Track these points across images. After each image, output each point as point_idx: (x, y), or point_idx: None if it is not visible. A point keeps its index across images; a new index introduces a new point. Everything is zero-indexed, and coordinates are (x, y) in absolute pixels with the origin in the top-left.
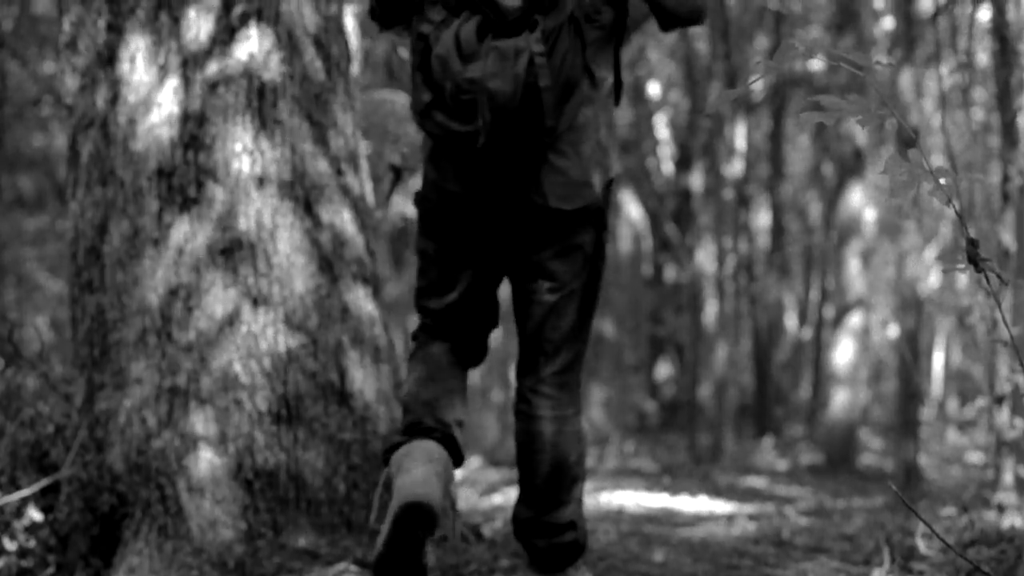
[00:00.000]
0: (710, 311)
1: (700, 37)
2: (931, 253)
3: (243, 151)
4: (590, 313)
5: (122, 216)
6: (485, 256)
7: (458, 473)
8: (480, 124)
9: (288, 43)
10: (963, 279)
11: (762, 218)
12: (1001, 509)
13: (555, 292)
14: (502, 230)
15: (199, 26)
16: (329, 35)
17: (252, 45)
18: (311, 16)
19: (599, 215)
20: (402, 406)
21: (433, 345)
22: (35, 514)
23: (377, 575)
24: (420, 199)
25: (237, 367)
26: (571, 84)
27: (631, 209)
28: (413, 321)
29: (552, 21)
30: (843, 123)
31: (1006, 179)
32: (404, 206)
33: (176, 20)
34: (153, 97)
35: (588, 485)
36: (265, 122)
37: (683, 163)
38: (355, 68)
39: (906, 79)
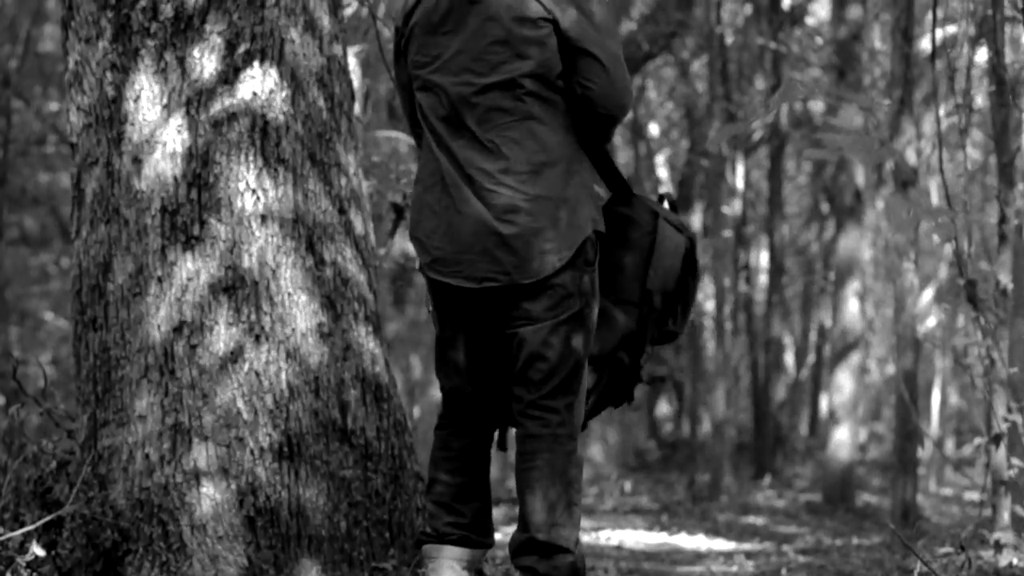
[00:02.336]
0: (709, 350)
1: (699, 77)
2: (929, 292)
3: (246, 189)
4: (578, 347)
5: (126, 254)
6: (473, 307)
7: None
8: None
9: (292, 82)
10: (961, 318)
11: (761, 257)
12: (999, 547)
13: (536, 331)
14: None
15: (203, 65)
16: (332, 75)
17: (256, 84)
18: (314, 56)
19: (579, 255)
20: (427, 507)
21: (452, 440)
22: (38, 550)
23: None
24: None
25: (239, 404)
26: None
27: None
28: (414, 358)
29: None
30: (843, 161)
31: (1003, 219)
32: (405, 245)
33: (180, 59)
34: (157, 136)
35: (588, 523)
36: (268, 161)
37: (682, 203)
38: (357, 108)
39: (905, 119)
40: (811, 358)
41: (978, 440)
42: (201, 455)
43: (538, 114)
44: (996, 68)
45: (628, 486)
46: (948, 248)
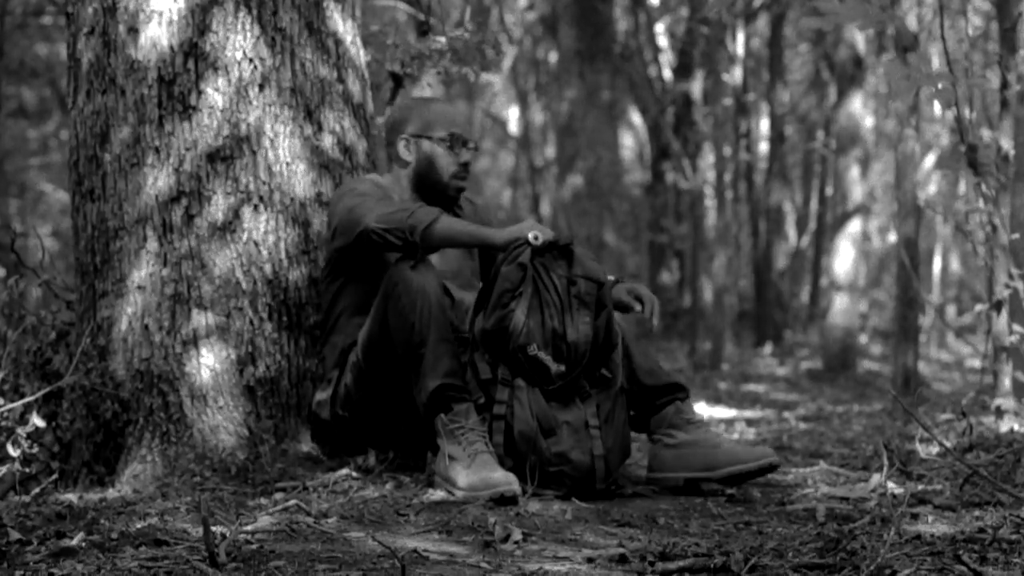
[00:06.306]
0: (710, 218)
1: None
2: (931, 159)
3: (243, 58)
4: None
5: (123, 124)
6: None
7: None
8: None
9: None
10: (962, 185)
11: (762, 125)
12: (999, 414)
13: None
14: None
15: None
16: None
17: None
18: None
19: None
20: None
21: None
22: (38, 421)
23: None
24: None
25: (238, 273)
26: (624, 450)
27: (632, 117)
28: None
29: (605, 399)
30: (843, 29)
31: (1005, 85)
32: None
33: None
34: (153, 4)
35: None
36: (265, 29)
37: (682, 70)
38: None
39: None
40: (812, 226)
41: (979, 307)
42: (200, 325)
43: None
44: None
45: None
46: (949, 114)
